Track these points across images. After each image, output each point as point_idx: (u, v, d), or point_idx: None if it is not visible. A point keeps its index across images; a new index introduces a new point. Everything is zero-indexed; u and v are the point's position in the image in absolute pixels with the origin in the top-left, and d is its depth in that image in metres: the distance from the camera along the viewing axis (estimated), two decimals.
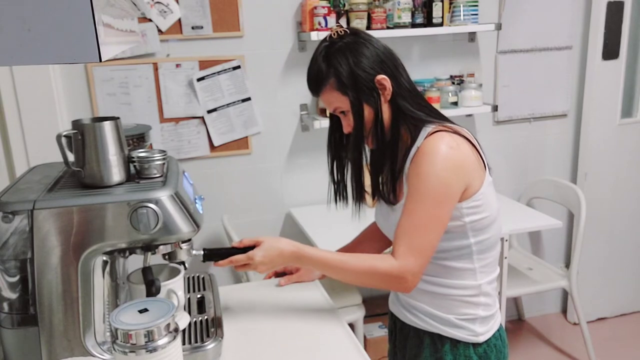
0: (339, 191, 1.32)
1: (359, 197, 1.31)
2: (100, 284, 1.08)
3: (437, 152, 1.13)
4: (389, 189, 1.24)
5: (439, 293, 1.23)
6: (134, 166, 1.14)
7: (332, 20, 2.21)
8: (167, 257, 1.19)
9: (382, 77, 1.17)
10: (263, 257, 1.22)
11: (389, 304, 1.41)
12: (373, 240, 1.44)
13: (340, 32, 1.20)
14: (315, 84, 1.21)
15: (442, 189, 1.13)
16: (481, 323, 1.24)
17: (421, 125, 1.20)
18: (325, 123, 2.21)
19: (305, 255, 1.23)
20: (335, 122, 1.27)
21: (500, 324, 1.30)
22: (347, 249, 1.48)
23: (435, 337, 1.25)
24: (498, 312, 1.29)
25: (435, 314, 1.24)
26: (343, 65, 1.16)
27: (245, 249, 1.24)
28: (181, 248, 1.19)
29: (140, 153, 1.15)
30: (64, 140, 1.07)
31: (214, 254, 1.26)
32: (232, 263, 1.24)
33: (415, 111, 1.20)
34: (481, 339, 1.23)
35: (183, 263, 1.21)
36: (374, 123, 1.20)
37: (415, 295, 1.26)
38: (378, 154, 1.25)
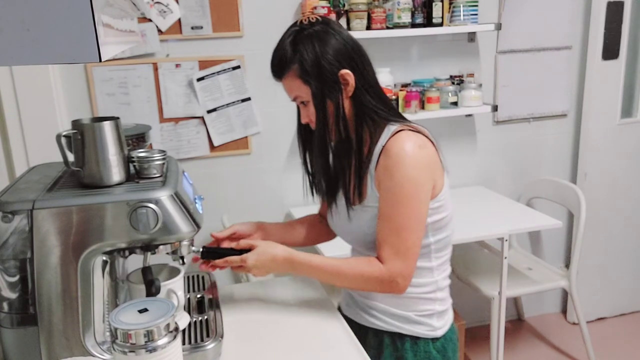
0: (314, 182, 1.31)
1: (332, 191, 1.30)
2: (100, 283, 1.08)
3: (406, 152, 1.13)
4: (354, 187, 1.23)
5: None
6: (134, 166, 1.14)
7: None
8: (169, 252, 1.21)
9: (346, 72, 1.16)
10: (256, 261, 1.23)
11: (342, 308, 1.40)
12: (314, 227, 1.45)
13: (312, 19, 1.18)
14: (279, 67, 1.21)
15: (417, 188, 1.13)
16: (438, 317, 1.26)
17: (384, 124, 1.20)
18: None
19: (298, 261, 1.23)
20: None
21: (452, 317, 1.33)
22: (287, 226, 1.47)
23: (395, 337, 1.26)
24: (451, 306, 1.31)
25: (394, 312, 1.25)
26: (309, 53, 1.15)
27: (242, 252, 1.25)
28: (180, 245, 1.20)
29: (140, 153, 1.15)
30: (63, 140, 1.07)
31: (211, 253, 1.29)
32: (227, 263, 1.26)
33: (378, 109, 1.19)
34: (439, 333, 1.26)
35: (182, 258, 1.21)
36: (334, 117, 1.18)
37: (373, 295, 1.27)
38: (341, 150, 1.24)
